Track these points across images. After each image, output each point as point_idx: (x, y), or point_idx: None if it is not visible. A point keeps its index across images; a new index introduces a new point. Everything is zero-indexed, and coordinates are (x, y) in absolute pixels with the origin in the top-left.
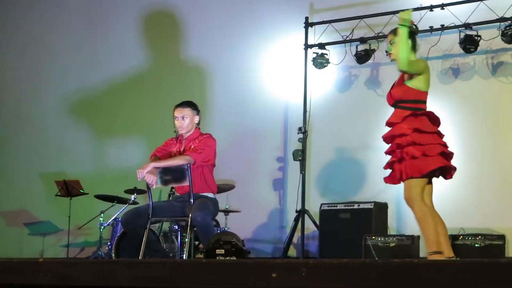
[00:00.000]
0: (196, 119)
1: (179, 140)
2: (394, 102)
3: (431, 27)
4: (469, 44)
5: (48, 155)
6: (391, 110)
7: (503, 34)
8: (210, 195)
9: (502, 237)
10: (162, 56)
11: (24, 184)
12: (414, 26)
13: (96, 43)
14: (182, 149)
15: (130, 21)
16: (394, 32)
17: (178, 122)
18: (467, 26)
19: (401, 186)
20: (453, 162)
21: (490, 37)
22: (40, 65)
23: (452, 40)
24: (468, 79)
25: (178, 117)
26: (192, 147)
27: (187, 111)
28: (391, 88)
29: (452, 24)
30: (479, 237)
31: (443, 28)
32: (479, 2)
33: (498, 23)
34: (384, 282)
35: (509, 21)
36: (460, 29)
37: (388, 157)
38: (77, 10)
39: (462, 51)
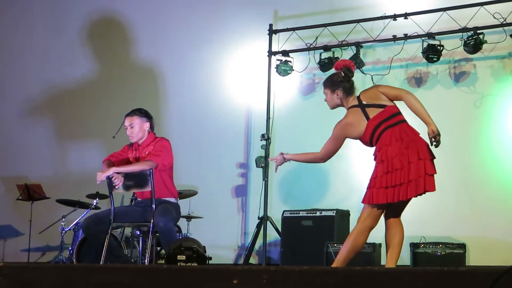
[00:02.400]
0: (147, 125)
1: (134, 148)
2: None
3: (394, 36)
4: (432, 53)
5: (9, 159)
6: None
7: (466, 44)
8: (172, 199)
9: (462, 246)
10: (125, 61)
11: None
12: (343, 73)
13: (59, 47)
14: (137, 156)
15: (94, 25)
16: (323, 84)
17: (128, 131)
18: (430, 35)
19: (359, 193)
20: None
21: (452, 47)
22: (1, 68)
23: (415, 49)
24: (430, 88)
25: (127, 126)
26: (147, 152)
27: (135, 119)
28: None
29: (415, 34)
30: (440, 245)
31: (406, 37)
32: (442, 12)
33: (460, 33)
34: None
35: (472, 32)
36: (423, 38)
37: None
38: (39, 13)
39: (425, 60)
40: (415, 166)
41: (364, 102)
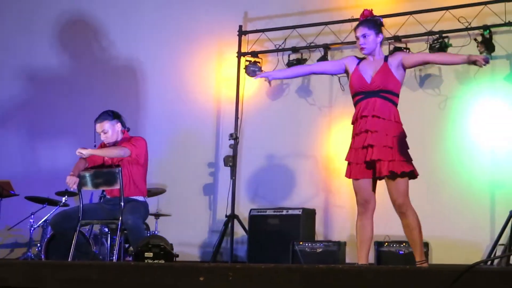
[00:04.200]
0: (118, 126)
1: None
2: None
3: None
4: None
5: None
6: (322, 118)
7: (431, 47)
8: (141, 198)
9: (425, 245)
10: (95, 59)
11: None
12: (381, 19)
13: (28, 45)
14: None
15: (62, 20)
16: (366, 25)
17: (102, 137)
18: (397, 38)
19: (325, 192)
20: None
21: (418, 50)
22: None
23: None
24: None
25: (100, 132)
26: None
27: (105, 124)
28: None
29: None
30: (403, 244)
31: None
32: (408, 15)
33: (426, 37)
34: (308, 286)
35: (437, 35)
36: (389, 41)
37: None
38: (7, 11)
39: None
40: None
41: None
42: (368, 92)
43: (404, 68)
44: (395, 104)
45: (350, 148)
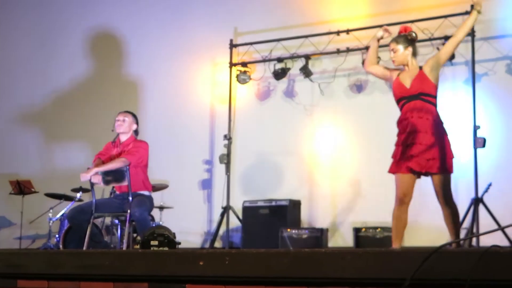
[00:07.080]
0: (134, 126)
1: (116, 145)
2: (418, 94)
3: (338, 49)
4: None
5: (2, 158)
6: (306, 118)
7: None
8: (146, 192)
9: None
10: (104, 71)
11: None
12: (414, 34)
13: (45, 57)
14: (120, 152)
15: (76, 39)
16: (396, 41)
17: (118, 123)
18: (368, 48)
19: (309, 185)
20: (361, 165)
21: (388, 58)
22: None
23: (356, 60)
24: (369, 94)
25: (120, 119)
26: (126, 150)
27: (128, 116)
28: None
29: (356, 47)
30: (379, 229)
31: (348, 50)
32: (378, 28)
33: None
34: (295, 268)
35: None
36: (362, 51)
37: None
38: (26, 30)
39: (364, 71)
40: None
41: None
42: (409, 96)
43: (439, 65)
44: (434, 105)
45: (396, 145)
